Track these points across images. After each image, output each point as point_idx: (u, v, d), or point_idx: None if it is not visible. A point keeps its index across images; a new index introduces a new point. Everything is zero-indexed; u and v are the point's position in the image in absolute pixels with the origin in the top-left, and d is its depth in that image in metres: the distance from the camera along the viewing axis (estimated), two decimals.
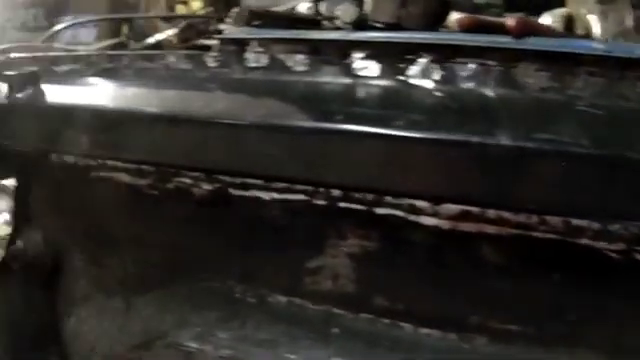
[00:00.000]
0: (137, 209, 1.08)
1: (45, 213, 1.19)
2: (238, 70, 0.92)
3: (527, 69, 0.85)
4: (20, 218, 1.20)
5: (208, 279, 1.03)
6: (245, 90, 0.90)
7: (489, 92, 0.83)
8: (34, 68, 1.09)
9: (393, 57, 0.86)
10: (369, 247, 0.92)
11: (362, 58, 0.87)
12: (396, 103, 0.83)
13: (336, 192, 0.90)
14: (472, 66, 0.85)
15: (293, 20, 1.01)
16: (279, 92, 0.88)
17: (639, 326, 0.82)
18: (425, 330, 0.91)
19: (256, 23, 0.95)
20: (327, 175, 0.87)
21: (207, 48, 1.01)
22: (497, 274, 0.88)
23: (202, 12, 2.11)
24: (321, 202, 0.92)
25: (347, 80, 0.86)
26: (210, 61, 0.94)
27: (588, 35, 1.13)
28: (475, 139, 0.79)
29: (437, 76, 0.84)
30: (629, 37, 1.05)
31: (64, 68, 1.08)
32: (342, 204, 0.91)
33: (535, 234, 0.84)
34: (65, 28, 1.41)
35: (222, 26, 2.07)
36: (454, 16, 0.97)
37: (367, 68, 0.86)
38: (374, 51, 0.88)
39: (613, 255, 0.79)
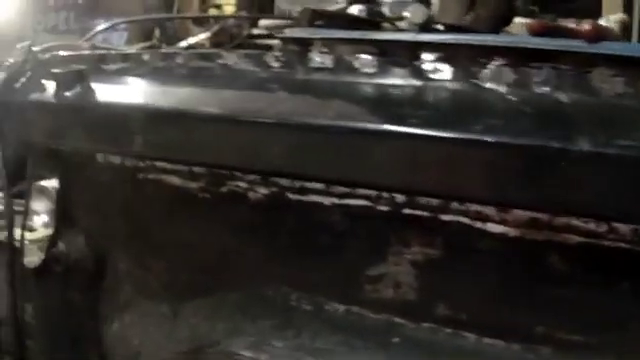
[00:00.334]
0: (187, 213, 1.07)
1: (89, 215, 1.18)
2: (302, 70, 0.90)
3: (602, 74, 0.84)
4: (62, 220, 1.19)
5: (262, 286, 1.02)
6: (310, 91, 0.89)
7: (565, 97, 0.81)
8: (82, 66, 1.08)
9: (465, 60, 0.85)
10: (433, 254, 0.90)
11: (433, 60, 0.86)
12: (468, 107, 0.81)
13: (400, 198, 0.89)
14: (546, 70, 0.84)
15: (353, 21, 1.00)
16: (346, 94, 0.86)
17: None
18: (488, 340, 0.89)
19: (319, 23, 0.95)
20: (393, 180, 0.85)
21: (268, 48, 1.00)
22: (564, 283, 0.86)
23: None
24: (384, 208, 0.91)
25: (418, 83, 0.85)
26: (272, 61, 0.92)
27: None
28: (553, 144, 0.78)
29: (511, 80, 0.83)
30: None
31: (113, 66, 1.07)
32: (406, 210, 0.90)
33: (604, 242, 0.82)
34: (107, 29, 1.40)
35: (255, 30, 2.08)
36: (517, 20, 0.96)
37: (439, 71, 0.84)
38: (444, 53, 0.86)
39: None
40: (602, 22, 1.08)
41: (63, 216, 1.19)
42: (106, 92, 1.05)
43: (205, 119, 0.93)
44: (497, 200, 0.84)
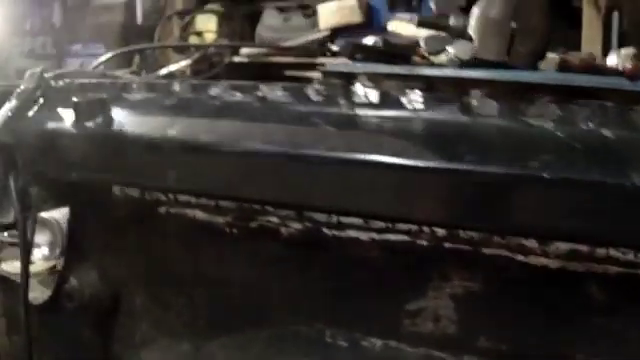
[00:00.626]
0: (213, 248, 1.06)
1: (103, 249, 1.16)
2: (346, 105, 0.91)
3: None
4: (73, 254, 1.16)
5: (294, 323, 1.01)
6: (356, 126, 0.89)
7: (611, 133, 0.84)
8: (102, 95, 1.06)
9: (510, 96, 0.87)
10: (473, 287, 0.92)
11: (479, 96, 0.88)
12: (522, 143, 0.83)
13: (442, 232, 0.90)
14: (590, 107, 0.87)
15: (390, 55, 1.02)
16: (393, 129, 0.87)
17: None
18: None
19: (358, 57, 0.96)
20: (436, 214, 0.86)
21: (307, 80, 1.00)
22: (604, 313, 0.89)
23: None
24: (425, 242, 0.92)
25: (468, 119, 0.86)
26: (313, 94, 0.93)
27: None
28: (604, 179, 0.80)
29: (557, 116, 0.85)
30: None
31: (137, 96, 1.06)
32: (447, 244, 0.91)
33: None
34: (115, 55, 1.38)
35: (237, 58, 2.08)
36: (550, 56, 0.99)
37: (487, 107, 0.87)
38: (489, 89, 0.89)
39: None
40: (612, 56, 1.12)
41: (74, 250, 1.16)
42: (132, 123, 1.03)
43: (249, 154, 0.92)
44: (553, 234, 0.86)
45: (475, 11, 0.95)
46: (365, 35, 2.35)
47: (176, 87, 1.04)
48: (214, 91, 1.00)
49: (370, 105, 0.90)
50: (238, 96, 0.99)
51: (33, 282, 1.20)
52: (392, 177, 0.87)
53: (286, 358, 1.01)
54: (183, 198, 1.05)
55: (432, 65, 0.98)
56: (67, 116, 1.08)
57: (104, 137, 1.04)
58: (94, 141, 1.04)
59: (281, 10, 2.20)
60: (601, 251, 0.86)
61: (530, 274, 0.88)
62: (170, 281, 1.11)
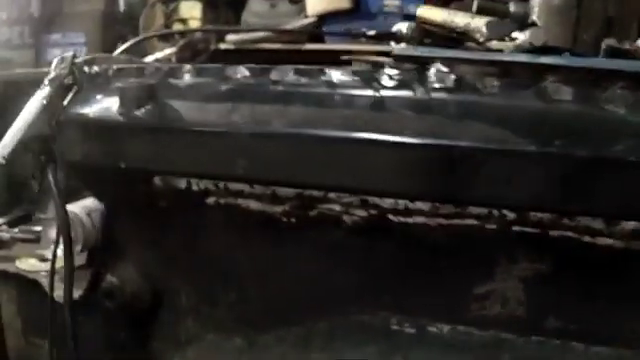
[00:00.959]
0: (267, 239, 1.05)
1: (144, 244, 1.12)
2: (422, 90, 0.91)
3: None
4: (110, 250, 1.12)
5: (357, 312, 1.01)
6: (433, 111, 0.90)
7: None
8: (150, 81, 1.03)
9: (585, 82, 0.89)
10: (541, 269, 0.95)
11: (555, 82, 0.90)
12: (606, 128, 0.86)
13: (511, 215, 0.92)
14: None
15: (452, 40, 1.03)
16: (474, 113, 0.88)
17: None
18: (596, 348, 0.95)
19: (428, 41, 0.96)
20: (523, 197, 0.88)
21: (377, 65, 1.00)
22: None
23: None
24: (493, 226, 0.94)
25: (550, 105, 0.88)
26: (386, 80, 0.93)
27: None
28: None
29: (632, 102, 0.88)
30: None
31: (186, 81, 1.03)
32: (516, 227, 0.93)
33: None
34: (137, 42, 1.34)
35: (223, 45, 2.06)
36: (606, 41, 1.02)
37: (562, 92, 0.88)
38: (564, 76, 0.91)
39: None
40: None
41: (111, 246, 1.12)
42: (186, 110, 1.00)
43: (324, 140, 0.92)
44: (606, 214, 0.89)
45: None
46: (354, 21, 2.38)
47: (230, 71, 1.02)
48: (275, 75, 0.99)
49: (448, 89, 0.91)
50: (304, 81, 0.97)
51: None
52: (477, 162, 0.88)
53: (351, 347, 1.01)
54: (235, 188, 1.03)
55: (497, 51, 1.00)
56: (111, 104, 1.04)
57: (156, 125, 1.01)
58: (145, 130, 1.01)
59: None
60: None
61: (596, 254, 0.92)
62: (219, 275, 1.09)
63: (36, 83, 1.09)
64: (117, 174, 1.07)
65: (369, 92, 0.94)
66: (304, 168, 0.95)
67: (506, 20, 0.99)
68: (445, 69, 0.91)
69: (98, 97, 1.07)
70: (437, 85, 0.91)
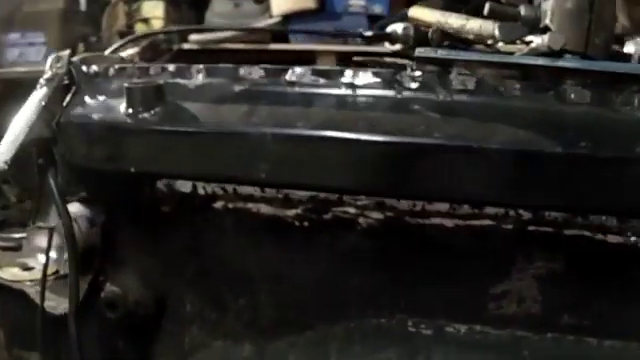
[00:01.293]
0: (279, 244, 1.04)
1: (145, 251, 1.09)
2: (444, 92, 0.92)
3: None
4: (110, 257, 1.09)
5: (372, 315, 1.02)
6: (459, 113, 0.91)
7: None
8: (158, 81, 1.01)
9: (605, 85, 0.92)
10: (555, 267, 0.98)
11: (575, 85, 0.93)
12: (628, 130, 0.89)
13: (527, 215, 0.95)
14: None
15: (469, 42, 1.04)
16: (499, 115, 0.90)
17: None
18: (609, 342, 0.99)
19: (447, 44, 0.97)
20: (546, 198, 0.91)
21: (398, 66, 1.00)
22: None
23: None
24: (509, 226, 0.97)
25: (566, 107, 0.91)
26: (408, 81, 0.93)
27: None
28: None
29: None
30: None
31: (196, 82, 1.01)
32: (531, 227, 0.96)
33: None
34: (130, 41, 1.31)
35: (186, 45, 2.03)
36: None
37: (581, 95, 0.91)
38: (581, 79, 0.93)
39: None
40: (630, 45, 1.20)
41: (111, 253, 1.09)
42: (199, 111, 0.99)
43: (349, 143, 0.92)
44: (618, 211, 0.93)
45: (550, 2, 0.99)
46: (319, 21, 2.38)
47: (243, 71, 1.00)
48: (292, 76, 0.98)
49: (469, 92, 0.92)
50: (322, 82, 0.97)
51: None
52: (503, 163, 0.89)
53: (367, 351, 1.02)
54: (245, 191, 1.02)
55: (509, 54, 1.02)
56: (116, 105, 1.01)
57: (167, 127, 0.98)
58: (155, 132, 0.99)
59: None
60: None
61: (608, 252, 0.95)
62: (228, 281, 1.07)
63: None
64: (120, 178, 1.04)
65: (391, 93, 0.94)
66: (326, 171, 0.94)
67: (517, 23, 1.01)
68: (466, 71, 0.92)
69: (100, 98, 1.04)
70: (459, 87, 0.93)
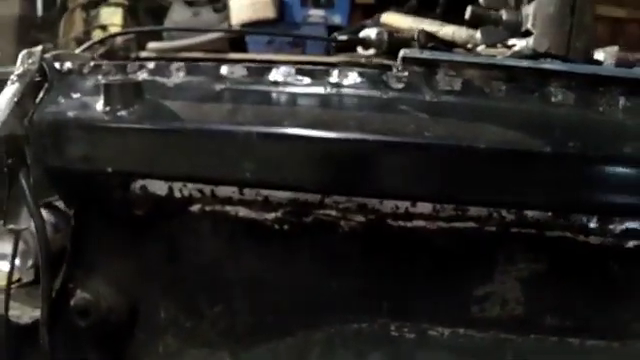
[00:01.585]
0: (257, 248, 1.03)
1: (117, 256, 1.05)
2: (431, 93, 0.92)
3: None
4: (81, 263, 1.05)
5: (354, 320, 1.01)
6: (446, 114, 0.91)
7: None
8: (136, 78, 0.98)
9: (588, 87, 0.94)
10: (537, 269, 0.99)
11: (559, 87, 0.94)
12: (611, 131, 0.91)
13: (509, 217, 0.95)
14: None
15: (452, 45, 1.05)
16: (488, 116, 0.91)
17: None
18: (591, 342, 1.00)
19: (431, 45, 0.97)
20: (534, 198, 0.92)
21: (384, 67, 1.00)
22: None
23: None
24: (492, 228, 0.98)
25: (551, 108, 0.92)
26: (394, 82, 0.93)
27: None
28: None
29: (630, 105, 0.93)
30: None
31: (176, 80, 0.98)
32: (514, 229, 0.97)
33: None
34: (106, 39, 1.27)
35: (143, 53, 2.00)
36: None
37: (566, 96, 0.92)
38: (565, 81, 0.95)
39: None
40: (599, 53, 1.23)
41: (82, 258, 1.05)
42: (180, 110, 0.96)
43: (338, 142, 0.91)
44: (601, 212, 0.95)
45: (532, 7, 1.01)
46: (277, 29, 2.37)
47: (225, 70, 0.98)
48: (274, 75, 0.96)
49: (456, 93, 0.92)
50: (306, 81, 0.95)
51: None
52: (492, 163, 0.90)
53: (349, 357, 1.01)
54: (223, 194, 1.00)
55: (493, 57, 1.03)
56: (92, 102, 0.98)
57: (148, 125, 0.95)
58: (134, 130, 0.96)
59: (190, 4, 2.14)
60: None
61: (590, 253, 0.97)
62: (204, 287, 1.05)
63: None
64: (93, 180, 1.00)
65: (377, 94, 0.93)
66: (313, 170, 0.93)
67: (498, 27, 1.02)
68: (453, 72, 0.92)
69: (75, 95, 1.00)
70: (446, 88, 0.93)
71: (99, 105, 0.96)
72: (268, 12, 2.21)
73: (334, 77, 0.96)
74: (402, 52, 0.96)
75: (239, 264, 1.03)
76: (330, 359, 1.00)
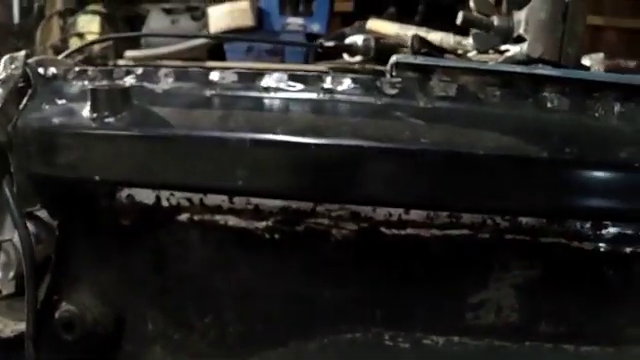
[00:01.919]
0: (248, 258, 1.02)
1: (103, 266, 1.03)
2: (425, 99, 0.91)
3: None
4: (65, 274, 1.02)
5: (347, 330, 0.99)
6: (440, 120, 0.90)
7: None
8: (124, 83, 0.96)
9: (582, 93, 0.94)
10: (532, 275, 0.99)
11: (554, 92, 0.93)
12: (609, 137, 0.90)
13: (504, 223, 0.95)
14: None
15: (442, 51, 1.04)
16: (483, 122, 0.90)
17: None
18: (586, 348, 0.99)
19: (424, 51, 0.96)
20: (532, 204, 0.92)
21: (377, 73, 0.99)
22: None
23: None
24: (486, 235, 0.97)
25: (546, 114, 0.92)
26: (388, 88, 0.92)
27: None
28: None
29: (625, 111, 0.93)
30: None
31: (164, 86, 0.96)
32: (508, 235, 0.97)
33: None
34: (91, 44, 1.24)
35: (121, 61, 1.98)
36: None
37: (561, 102, 0.92)
38: (559, 87, 0.95)
39: None
40: (584, 61, 1.24)
41: (66, 269, 1.02)
42: (170, 117, 0.94)
43: (337, 149, 0.89)
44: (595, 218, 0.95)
45: (524, 13, 1.01)
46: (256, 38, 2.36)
47: (215, 76, 0.96)
48: (266, 82, 0.94)
49: (451, 98, 0.91)
50: (299, 87, 0.94)
51: None
52: (488, 169, 0.89)
53: None
54: (212, 203, 0.98)
55: (484, 62, 1.02)
56: (78, 108, 0.95)
57: (137, 132, 0.93)
58: (122, 137, 0.93)
59: (168, 12, 2.12)
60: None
61: (585, 259, 0.97)
62: (193, 298, 1.03)
63: None
64: (79, 188, 0.98)
65: (371, 100, 0.92)
66: (307, 177, 0.91)
67: (490, 33, 1.02)
68: (447, 78, 0.91)
69: (60, 101, 0.98)
70: (441, 94, 0.92)
71: (85, 111, 0.94)
72: (247, 20, 2.20)
73: (327, 83, 0.94)
74: (395, 58, 0.95)
75: (229, 274, 1.01)
76: None
